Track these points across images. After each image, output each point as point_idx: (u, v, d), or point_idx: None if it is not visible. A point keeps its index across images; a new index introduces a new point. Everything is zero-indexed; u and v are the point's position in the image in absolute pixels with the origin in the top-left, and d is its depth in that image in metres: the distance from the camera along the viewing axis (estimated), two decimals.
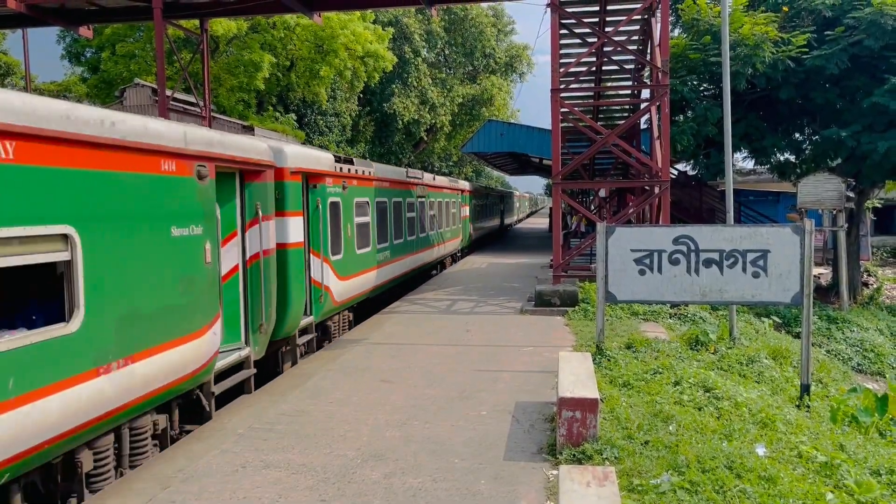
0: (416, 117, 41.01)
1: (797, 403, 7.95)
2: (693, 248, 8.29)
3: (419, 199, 18.63)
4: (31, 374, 4.79)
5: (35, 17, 16.28)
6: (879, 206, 30.28)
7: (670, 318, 12.34)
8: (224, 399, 7.90)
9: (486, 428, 6.80)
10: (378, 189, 14.48)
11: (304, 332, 10.22)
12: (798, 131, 19.67)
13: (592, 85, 18.44)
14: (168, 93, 16.34)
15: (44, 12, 16.15)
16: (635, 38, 17.09)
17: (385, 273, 14.84)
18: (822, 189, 17.65)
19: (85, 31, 17.70)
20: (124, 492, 5.53)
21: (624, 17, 15.31)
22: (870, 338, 16.06)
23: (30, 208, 4.80)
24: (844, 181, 17.80)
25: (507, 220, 47.02)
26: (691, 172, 23.44)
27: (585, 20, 15.51)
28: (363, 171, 13.35)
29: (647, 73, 18.41)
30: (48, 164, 4.96)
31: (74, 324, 5.20)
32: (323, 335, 11.32)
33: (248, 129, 11.56)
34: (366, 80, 34.23)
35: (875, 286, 22.89)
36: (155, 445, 6.58)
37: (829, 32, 16.29)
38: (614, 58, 16.78)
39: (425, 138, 45.66)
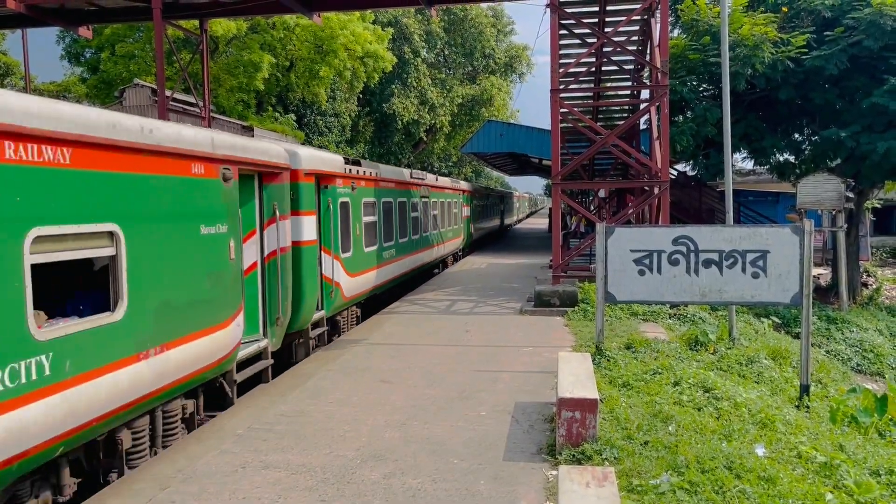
0: (415, 118, 41.01)
1: (797, 404, 7.95)
2: (692, 248, 8.30)
3: (422, 200, 18.77)
4: (85, 357, 5.28)
5: (35, 18, 16.28)
6: (879, 206, 30.25)
7: (670, 318, 12.33)
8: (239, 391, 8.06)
9: (485, 428, 6.80)
10: (384, 189, 14.79)
11: (315, 325, 10.57)
12: (797, 132, 19.68)
13: (592, 85, 18.43)
14: (168, 93, 16.32)
15: (43, 13, 16.15)
16: (635, 38, 17.09)
17: (391, 270, 15.14)
18: (821, 189, 17.67)
19: (84, 32, 17.70)
20: (124, 492, 5.53)
21: (623, 18, 15.32)
22: (869, 338, 16.07)
23: (83, 208, 5.32)
24: (844, 181, 17.81)
25: (507, 221, 47.04)
26: (691, 173, 23.44)
27: (585, 20, 15.52)
28: (370, 173, 13.73)
29: (646, 74, 18.40)
30: (98, 168, 5.49)
31: (119, 313, 5.70)
32: (332, 329, 11.62)
33: (248, 130, 11.66)
34: (365, 80, 34.25)
35: (874, 286, 22.89)
36: (183, 428, 6.99)
37: (828, 33, 16.30)
38: (614, 58, 16.78)
39: (425, 139, 45.65)
